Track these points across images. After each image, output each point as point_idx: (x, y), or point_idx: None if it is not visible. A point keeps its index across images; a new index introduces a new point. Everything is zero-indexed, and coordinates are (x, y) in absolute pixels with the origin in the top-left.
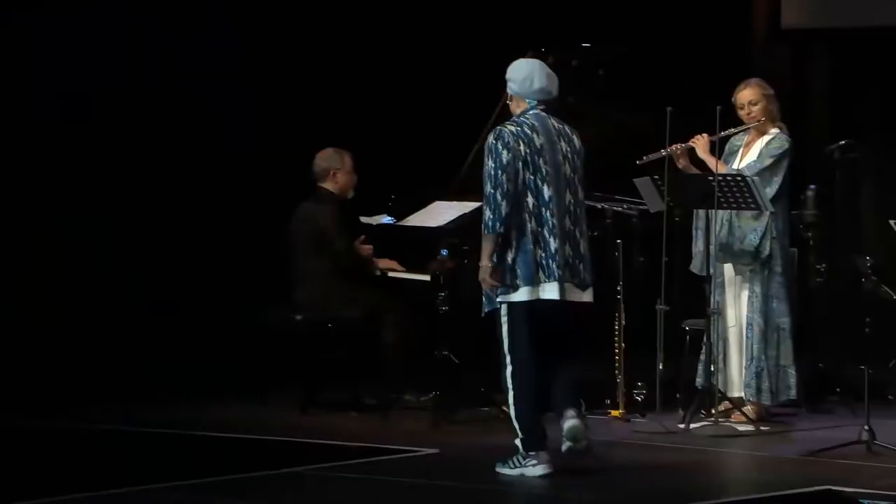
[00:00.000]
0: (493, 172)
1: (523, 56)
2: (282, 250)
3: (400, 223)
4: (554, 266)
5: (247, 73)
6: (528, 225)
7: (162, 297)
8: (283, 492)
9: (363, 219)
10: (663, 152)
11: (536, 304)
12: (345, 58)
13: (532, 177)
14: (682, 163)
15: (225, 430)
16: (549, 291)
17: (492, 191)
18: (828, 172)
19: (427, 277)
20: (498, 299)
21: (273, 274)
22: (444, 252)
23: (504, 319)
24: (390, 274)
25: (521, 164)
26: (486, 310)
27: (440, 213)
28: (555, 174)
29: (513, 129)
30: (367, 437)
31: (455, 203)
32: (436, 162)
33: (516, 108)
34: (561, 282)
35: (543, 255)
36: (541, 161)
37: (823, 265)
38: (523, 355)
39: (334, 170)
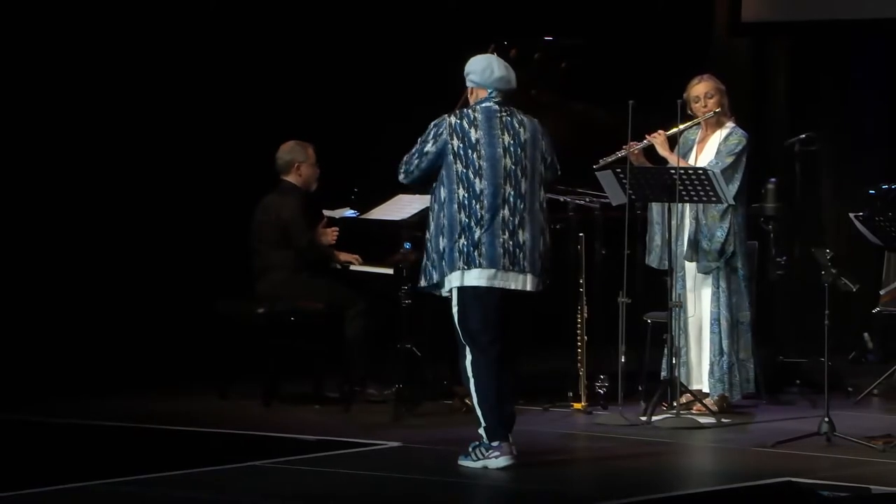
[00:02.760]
0: (412, 150)
1: (486, 48)
2: (244, 242)
3: (363, 216)
4: (476, 255)
5: (208, 66)
6: (458, 216)
7: (123, 288)
8: (244, 485)
9: (326, 212)
10: (619, 153)
11: (472, 293)
12: (308, 50)
13: (464, 170)
14: (639, 161)
15: (186, 423)
16: (470, 279)
17: (403, 163)
18: (788, 165)
19: (390, 271)
20: (421, 285)
21: (235, 266)
22: (407, 245)
23: (455, 309)
24: (353, 267)
25: (451, 157)
26: (421, 283)
27: (403, 207)
28: (491, 168)
29: (453, 120)
30: (329, 431)
31: (418, 196)
32: (399, 154)
33: (474, 100)
34: (487, 269)
35: (466, 244)
36: (474, 155)
37: (784, 258)
38: (479, 344)
39: (298, 162)
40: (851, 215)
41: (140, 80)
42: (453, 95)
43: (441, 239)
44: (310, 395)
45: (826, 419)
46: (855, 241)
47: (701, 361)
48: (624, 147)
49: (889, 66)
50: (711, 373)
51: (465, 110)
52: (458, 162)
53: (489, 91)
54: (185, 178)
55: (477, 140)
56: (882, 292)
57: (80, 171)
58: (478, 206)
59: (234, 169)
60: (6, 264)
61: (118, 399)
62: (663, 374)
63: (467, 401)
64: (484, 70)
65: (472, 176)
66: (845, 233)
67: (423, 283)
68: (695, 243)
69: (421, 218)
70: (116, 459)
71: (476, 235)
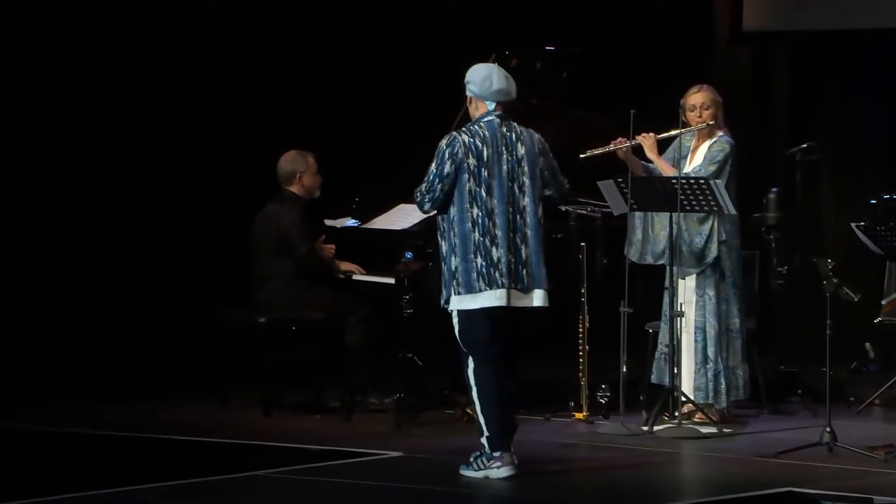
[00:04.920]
0: (430, 177)
1: (487, 57)
2: (245, 251)
3: (364, 226)
4: (496, 275)
5: (210, 73)
6: (472, 234)
7: (124, 296)
8: (245, 495)
9: (327, 221)
10: (608, 148)
11: (482, 311)
12: (309, 59)
13: (477, 188)
14: (627, 158)
15: (186, 432)
16: (490, 299)
17: (424, 192)
18: (789, 175)
19: (391, 280)
20: (449, 307)
21: (236, 275)
22: (409, 255)
23: (455, 322)
24: (354, 276)
25: (466, 175)
26: (442, 303)
27: (404, 216)
28: (498, 184)
29: (466, 139)
30: (330, 440)
31: None
32: (400, 164)
33: (475, 111)
34: (507, 289)
35: (484, 263)
36: (486, 172)
37: (785, 267)
38: (482, 355)
39: (300, 172)
40: (853, 225)
41: (142, 87)
42: (454, 104)
43: (454, 258)
44: (310, 404)
45: (828, 429)
46: (856, 250)
47: (691, 370)
48: (612, 142)
49: (890, 75)
50: (692, 379)
51: (472, 127)
52: (472, 180)
53: (489, 104)
54: (186, 186)
55: (487, 157)
56: (883, 302)
57: (82, 179)
58: (491, 225)
59: (235, 177)
60: (7, 271)
61: (118, 408)
62: (653, 378)
63: (469, 410)
64: (484, 81)
65: (484, 194)
66: (846, 242)
67: (443, 303)
68: (676, 248)
69: (422, 227)
70: (116, 469)
71: (494, 255)
